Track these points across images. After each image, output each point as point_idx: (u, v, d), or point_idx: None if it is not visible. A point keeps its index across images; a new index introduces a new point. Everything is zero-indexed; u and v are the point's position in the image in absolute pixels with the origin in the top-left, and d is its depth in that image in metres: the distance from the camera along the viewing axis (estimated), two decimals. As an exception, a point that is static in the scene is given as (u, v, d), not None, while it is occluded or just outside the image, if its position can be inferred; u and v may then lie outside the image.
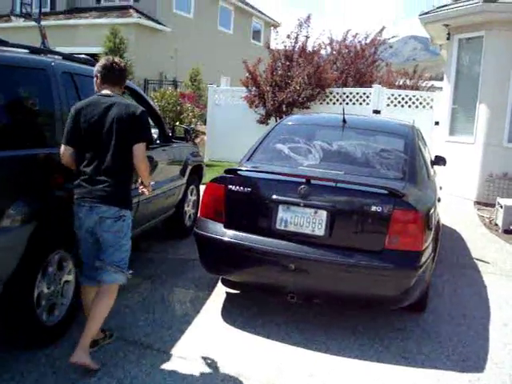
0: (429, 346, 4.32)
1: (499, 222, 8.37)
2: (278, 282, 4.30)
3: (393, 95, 13.84)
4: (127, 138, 3.52)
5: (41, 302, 3.72)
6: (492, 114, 10.15)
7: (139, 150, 3.53)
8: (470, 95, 10.67)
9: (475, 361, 4.14)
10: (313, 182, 4.16)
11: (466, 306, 5.29)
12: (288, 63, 14.41)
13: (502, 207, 8.32)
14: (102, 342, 3.89)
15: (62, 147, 3.61)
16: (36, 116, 3.99)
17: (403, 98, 13.61)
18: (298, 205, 4.13)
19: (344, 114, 5.31)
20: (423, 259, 4.13)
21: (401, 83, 26.29)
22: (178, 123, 11.20)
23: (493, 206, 9.02)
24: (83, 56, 4.95)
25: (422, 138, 6.11)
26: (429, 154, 6.63)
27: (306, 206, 4.12)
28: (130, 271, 3.73)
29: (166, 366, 3.72)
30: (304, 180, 4.17)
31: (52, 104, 3.99)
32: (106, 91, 3.70)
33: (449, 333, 4.60)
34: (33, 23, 14.20)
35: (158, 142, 5.79)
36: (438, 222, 4.92)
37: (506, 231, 8.17)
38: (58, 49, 6.85)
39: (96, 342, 3.80)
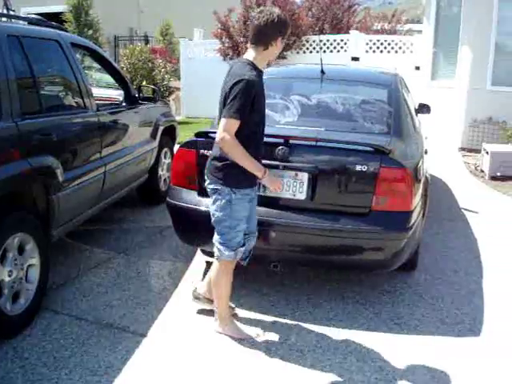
0: (421, 308, 4.09)
1: (485, 168, 8.14)
2: (259, 251, 4.00)
3: (371, 41, 13.41)
4: None
5: (2, 292, 3.39)
6: (474, 56, 9.79)
7: None
8: (452, 37, 10.29)
9: (471, 323, 3.92)
10: (291, 141, 3.82)
11: (457, 261, 5.07)
12: (261, 11, 13.81)
13: (487, 153, 8.08)
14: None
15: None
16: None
17: (382, 44, 13.19)
18: (276, 168, 3.79)
19: (322, 64, 4.93)
20: (413, 219, 3.86)
21: (379, 28, 25.67)
22: (145, 82, 10.67)
23: (478, 151, 8.79)
24: (34, 16, 4.48)
25: (406, 86, 5.77)
26: (413, 103, 6.30)
27: (285, 168, 3.79)
28: None
29: (143, 351, 3.45)
30: (282, 140, 3.83)
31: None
32: None
33: (441, 293, 4.37)
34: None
35: (123, 104, 5.38)
36: (426, 176, 4.63)
37: (493, 178, 7.95)
38: (22, 9, 6.35)
39: None
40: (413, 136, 4.70)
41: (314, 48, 13.84)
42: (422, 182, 4.27)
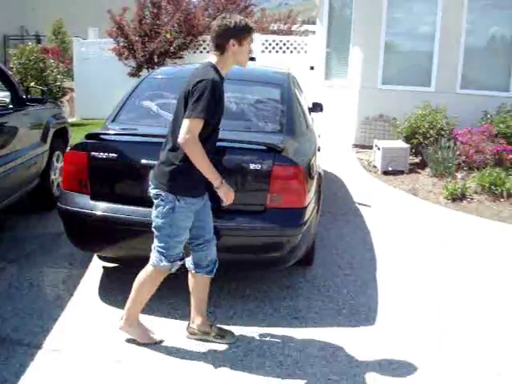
0: (319, 302, 4.20)
1: (377, 164, 8.49)
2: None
3: (267, 41, 13.62)
4: None
5: None
6: (365, 57, 10.18)
7: None
8: (344, 38, 10.65)
9: (366, 312, 4.08)
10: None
11: (352, 254, 5.25)
12: (156, 11, 13.67)
13: (379, 149, 8.43)
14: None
15: None
16: None
17: (277, 44, 13.43)
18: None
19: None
20: (307, 215, 3.95)
21: (275, 28, 26.12)
22: (34, 83, 10.22)
23: (371, 148, 9.14)
24: None
25: (298, 85, 5.90)
26: (306, 102, 6.45)
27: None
28: None
29: (39, 363, 3.30)
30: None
31: None
32: None
33: (338, 285, 4.51)
34: None
35: (10, 106, 5.13)
36: (319, 172, 4.76)
37: (385, 172, 8.31)
38: None
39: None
40: (305, 134, 4.81)
41: (205, 48, 13.87)
42: (315, 178, 4.39)
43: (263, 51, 13.37)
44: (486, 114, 9.39)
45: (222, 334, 3.59)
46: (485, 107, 9.51)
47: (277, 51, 13.33)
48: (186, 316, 3.81)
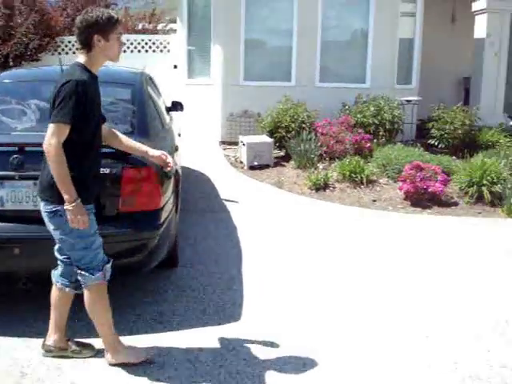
0: (184, 303, 4.14)
1: (244, 159, 8.57)
2: (6, 270, 3.69)
3: (128, 40, 13.26)
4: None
5: None
6: (227, 54, 10.22)
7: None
8: (205, 36, 10.63)
9: (232, 309, 4.08)
10: (27, 149, 3.57)
11: (219, 251, 5.25)
12: (9, 12, 12.89)
13: (244, 145, 8.51)
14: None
15: None
16: None
17: (139, 43, 13.13)
18: (12, 178, 3.52)
19: (62, 65, 4.69)
20: (164, 216, 3.87)
21: (140, 27, 25.63)
22: None
23: (237, 144, 9.20)
24: None
25: (154, 84, 5.79)
26: (163, 101, 6.36)
27: (22, 178, 3.53)
28: None
29: None
30: (16, 148, 3.56)
31: None
32: None
33: (203, 284, 4.48)
34: None
35: None
36: (177, 171, 4.69)
37: (251, 167, 8.40)
38: None
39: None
40: (160, 134, 4.72)
41: (71, 49, 13.30)
42: (172, 178, 4.31)
43: (125, 51, 13.02)
44: (344, 106, 9.79)
45: (81, 349, 3.41)
46: (343, 99, 9.92)
47: (139, 50, 13.04)
48: (42, 333, 3.60)
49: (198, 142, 10.09)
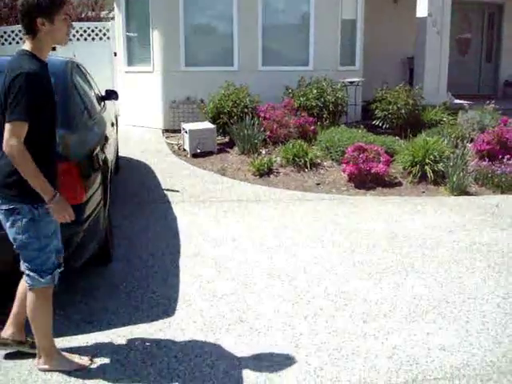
0: (116, 300, 3.97)
1: (187, 147, 8.39)
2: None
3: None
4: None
5: None
6: (167, 40, 9.97)
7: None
8: (143, 23, 10.33)
9: (166, 304, 3.94)
10: None
11: (156, 244, 5.08)
12: None
13: (186, 132, 8.32)
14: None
15: None
16: None
17: (78, 31, 12.70)
18: None
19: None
20: (89, 211, 3.69)
21: (83, 16, 24.98)
22: None
23: (180, 132, 9.00)
24: None
25: (83, 72, 5.55)
26: (97, 90, 6.13)
27: None
28: None
29: None
30: None
31: None
32: None
33: (138, 279, 4.32)
34: None
35: None
36: (106, 162, 4.49)
37: (194, 155, 8.23)
38: None
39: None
40: (87, 125, 4.51)
41: (14, 39, 12.81)
42: (100, 170, 4.13)
43: (65, 40, 12.59)
44: (287, 89, 9.68)
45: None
46: (287, 82, 9.81)
47: (78, 39, 12.60)
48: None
49: (140, 131, 9.87)
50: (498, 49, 14.64)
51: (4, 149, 2.71)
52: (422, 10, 11.47)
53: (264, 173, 7.42)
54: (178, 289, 4.18)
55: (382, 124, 9.49)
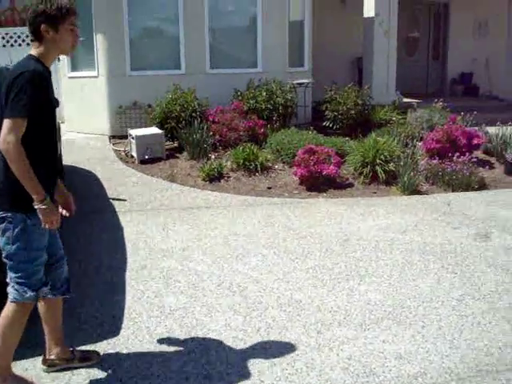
0: (56, 321, 3.73)
1: (134, 153, 8.14)
2: None
3: (7, 34, 12.38)
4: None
5: None
6: (111, 45, 9.66)
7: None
8: (87, 26, 9.98)
9: (110, 323, 3.72)
10: None
11: (101, 257, 4.86)
12: None
13: (133, 138, 8.07)
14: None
15: None
16: None
17: (19, 37, 12.27)
18: None
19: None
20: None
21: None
22: None
23: (127, 138, 8.73)
24: None
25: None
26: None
27: None
28: None
29: None
30: None
31: None
32: None
33: (80, 296, 4.07)
34: None
35: None
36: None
37: (142, 162, 7.99)
38: None
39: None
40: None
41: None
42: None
43: (4, 45, 12.14)
44: (236, 92, 9.52)
45: (87, 356, 3.28)
46: (236, 85, 9.65)
47: (19, 44, 12.19)
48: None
49: (86, 138, 9.56)
50: (444, 47, 14.85)
51: (0, 145, 2.65)
52: (369, 10, 11.49)
53: (214, 178, 7.24)
54: (124, 305, 3.97)
55: (333, 125, 9.44)
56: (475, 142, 8.05)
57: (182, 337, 3.53)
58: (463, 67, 14.51)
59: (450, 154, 7.75)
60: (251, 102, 9.02)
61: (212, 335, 3.54)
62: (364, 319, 3.73)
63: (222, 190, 7.00)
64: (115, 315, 3.82)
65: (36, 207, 2.72)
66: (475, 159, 7.86)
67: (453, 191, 7.14)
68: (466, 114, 9.19)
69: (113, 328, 3.65)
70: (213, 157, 7.81)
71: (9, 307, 2.90)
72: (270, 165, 7.66)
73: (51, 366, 3.19)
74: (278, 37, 10.39)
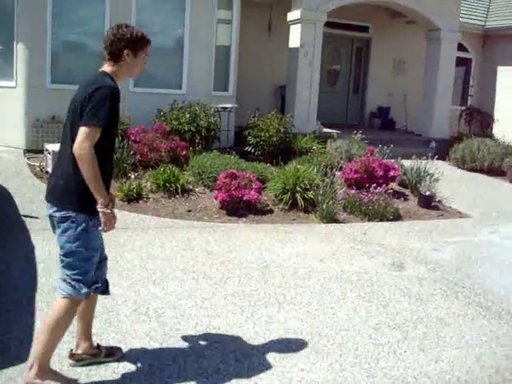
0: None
1: (49, 169, 7.83)
2: None
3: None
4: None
5: None
6: (32, 55, 9.34)
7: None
8: (7, 35, 9.61)
9: (19, 348, 3.50)
10: None
11: (10, 278, 4.59)
12: None
13: (50, 153, 7.78)
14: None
15: None
16: None
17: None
18: None
19: None
20: None
21: None
22: None
23: (43, 152, 8.41)
24: None
25: None
26: None
27: None
28: None
29: None
30: None
31: None
32: None
33: (-15, 320, 3.83)
34: None
35: None
36: None
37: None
38: None
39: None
40: None
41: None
42: None
43: None
44: (160, 112, 9.43)
45: (111, 352, 3.44)
46: (159, 105, 9.57)
47: None
48: None
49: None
50: (364, 81, 15.38)
51: (75, 150, 2.82)
52: (294, 41, 11.76)
53: (133, 198, 7.08)
54: (34, 330, 3.75)
55: (255, 151, 9.52)
56: (391, 174, 8.34)
57: (94, 366, 3.36)
58: (381, 101, 15.07)
59: (367, 185, 7.98)
60: (174, 123, 8.95)
61: (125, 364, 3.40)
62: (282, 347, 3.72)
63: (141, 210, 6.85)
64: (23, 340, 3.59)
65: (100, 210, 2.91)
66: (391, 191, 8.14)
67: (369, 221, 7.33)
68: (384, 147, 9.51)
69: (22, 354, 3.41)
70: (132, 177, 7.65)
71: (60, 303, 3.04)
72: (191, 187, 7.59)
73: (79, 361, 3.33)
74: (204, 60, 10.43)
